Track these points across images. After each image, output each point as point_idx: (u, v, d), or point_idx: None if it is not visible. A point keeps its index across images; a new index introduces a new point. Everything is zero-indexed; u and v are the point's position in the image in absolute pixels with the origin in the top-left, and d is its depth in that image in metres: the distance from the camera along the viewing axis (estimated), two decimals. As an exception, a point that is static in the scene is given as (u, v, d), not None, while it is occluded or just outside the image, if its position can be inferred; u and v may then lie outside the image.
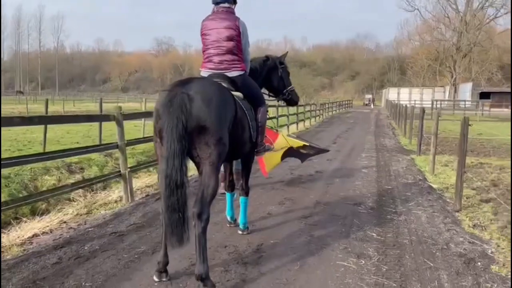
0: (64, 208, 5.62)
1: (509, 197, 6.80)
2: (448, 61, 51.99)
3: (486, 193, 6.97)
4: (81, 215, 5.44)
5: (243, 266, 3.75)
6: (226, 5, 4.03)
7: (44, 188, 6.02)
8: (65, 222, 5.16)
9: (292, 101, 5.30)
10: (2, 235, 4.48)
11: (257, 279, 3.52)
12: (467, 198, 6.53)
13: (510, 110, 32.50)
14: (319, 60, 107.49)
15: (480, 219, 5.46)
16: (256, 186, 6.90)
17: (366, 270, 3.73)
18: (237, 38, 3.92)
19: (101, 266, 3.73)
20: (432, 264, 3.89)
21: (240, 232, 4.63)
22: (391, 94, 54.56)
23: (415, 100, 45.33)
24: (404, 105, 27.62)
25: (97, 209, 5.71)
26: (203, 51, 4.03)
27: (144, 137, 7.72)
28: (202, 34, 4.01)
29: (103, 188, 6.76)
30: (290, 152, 6.55)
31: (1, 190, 5.52)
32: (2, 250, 4.09)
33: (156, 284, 3.40)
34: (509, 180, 8.14)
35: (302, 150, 6.67)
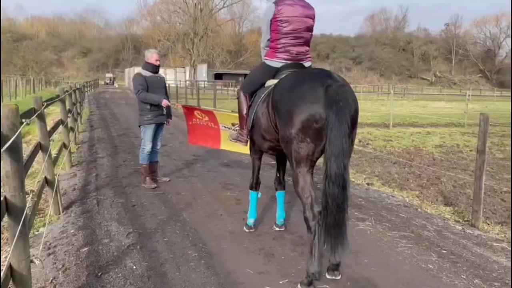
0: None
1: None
2: (188, 43, 56.21)
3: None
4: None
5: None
6: None
7: None
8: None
9: None
10: None
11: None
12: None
13: None
14: (42, 34, 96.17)
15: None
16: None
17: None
18: (313, 28, 3.72)
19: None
20: (384, 217, 5.28)
21: (279, 228, 4.45)
22: (136, 73, 55.12)
23: (160, 80, 47.27)
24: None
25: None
26: (274, 39, 3.63)
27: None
28: (277, 20, 3.55)
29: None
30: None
31: None
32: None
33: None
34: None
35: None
